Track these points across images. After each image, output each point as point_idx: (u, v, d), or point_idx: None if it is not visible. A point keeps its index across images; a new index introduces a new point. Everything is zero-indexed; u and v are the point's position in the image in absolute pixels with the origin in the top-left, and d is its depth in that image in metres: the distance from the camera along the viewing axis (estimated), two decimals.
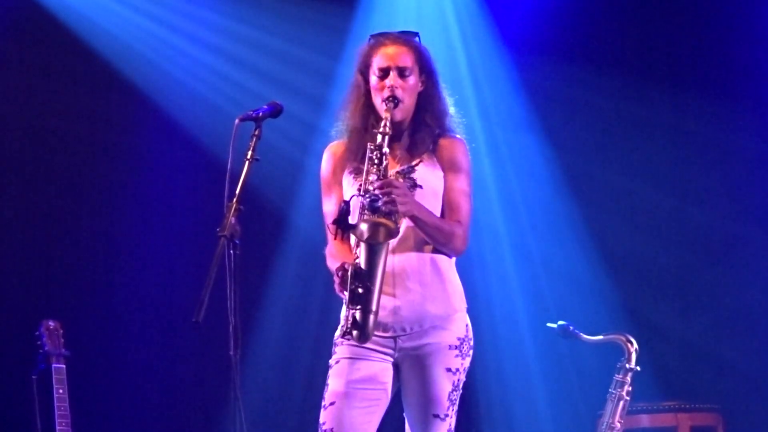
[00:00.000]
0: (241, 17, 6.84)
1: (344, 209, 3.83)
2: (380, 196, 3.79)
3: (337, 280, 3.84)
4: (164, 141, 6.74)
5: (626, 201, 6.88)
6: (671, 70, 6.84)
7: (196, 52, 6.82)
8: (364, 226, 3.78)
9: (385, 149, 3.88)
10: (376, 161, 3.87)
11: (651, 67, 6.86)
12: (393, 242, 3.90)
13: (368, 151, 3.89)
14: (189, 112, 6.74)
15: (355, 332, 3.78)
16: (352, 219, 3.84)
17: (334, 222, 3.84)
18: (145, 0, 6.77)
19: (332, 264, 3.92)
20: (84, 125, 6.70)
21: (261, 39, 6.84)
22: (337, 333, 3.99)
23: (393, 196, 3.78)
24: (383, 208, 3.79)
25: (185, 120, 6.74)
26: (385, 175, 3.85)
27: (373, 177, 3.85)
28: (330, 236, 3.97)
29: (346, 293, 3.78)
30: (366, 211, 3.81)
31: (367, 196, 3.82)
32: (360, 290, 3.76)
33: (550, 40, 6.86)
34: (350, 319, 3.79)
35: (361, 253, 3.80)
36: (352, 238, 3.88)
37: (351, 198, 3.89)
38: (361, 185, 3.87)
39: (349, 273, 3.77)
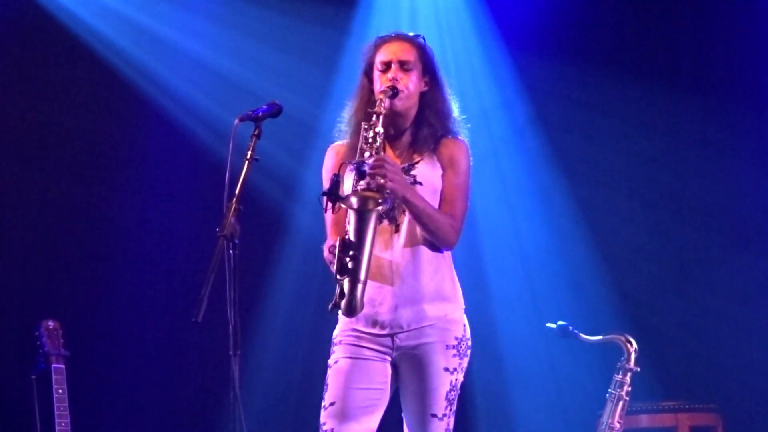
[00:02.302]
0: (242, 17, 6.85)
1: (335, 180, 3.81)
2: (368, 163, 3.78)
3: (329, 258, 3.81)
4: (164, 141, 6.74)
5: (627, 200, 6.87)
6: (673, 70, 6.84)
7: (196, 53, 6.82)
8: (354, 198, 3.77)
9: (379, 128, 3.88)
10: (370, 140, 3.87)
11: (653, 66, 6.86)
12: (395, 240, 3.91)
13: (362, 130, 3.89)
14: (189, 112, 6.74)
15: (343, 303, 3.72)
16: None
17: (324, 193, 3.81)
18: (145, 1, 6.78)
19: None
20: (84, 125, 6.69)
21: (261, 39, 6.84)
22: (335, 332, 4.00)
23: (384, 169, 3.78)
24: (369, 171, 3.76)
25: (185, 120, 6.73)
26: (378, 153, 3.85)
27: (367, 154, 3.84)
28: (328, 232, 3.97)
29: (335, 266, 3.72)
30: (354, 177, 3.80)
31: (355, 162, 3.82)
32: (348, 260, 3.71)
33: (551, 39, 6.86)
34: (338, 290, 3.73)
35: (351, 224, 3.78)
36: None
37: (341, 167, 3.87)
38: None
39: (337, 244, 3.73)
